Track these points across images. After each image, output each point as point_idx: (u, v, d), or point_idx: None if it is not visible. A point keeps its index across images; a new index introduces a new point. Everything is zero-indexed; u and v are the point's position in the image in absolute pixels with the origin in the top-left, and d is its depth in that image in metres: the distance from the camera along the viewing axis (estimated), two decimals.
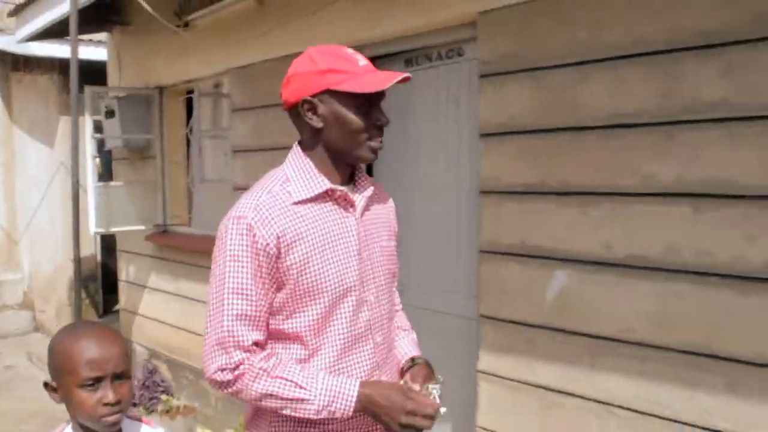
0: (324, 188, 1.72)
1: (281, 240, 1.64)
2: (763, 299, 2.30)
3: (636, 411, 2.63)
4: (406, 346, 1.99)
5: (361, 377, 1.75)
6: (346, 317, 1.74)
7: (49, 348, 1.58)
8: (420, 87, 3.60)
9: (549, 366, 2.88)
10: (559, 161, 2.79)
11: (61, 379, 1.53)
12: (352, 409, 1.64)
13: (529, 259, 2.92)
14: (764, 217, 2.28)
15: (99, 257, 7.81)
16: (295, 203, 1.69)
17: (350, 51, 1.71)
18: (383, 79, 1.66)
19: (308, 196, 1.70)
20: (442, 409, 1.65)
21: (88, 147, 5.08)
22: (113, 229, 5.33)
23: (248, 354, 1.64)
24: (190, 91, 5.36)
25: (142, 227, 5.41)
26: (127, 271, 6.10)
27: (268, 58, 4.21)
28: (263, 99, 4.29)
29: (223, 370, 1.64)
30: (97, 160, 5.65)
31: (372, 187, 1.84)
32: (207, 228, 5.05)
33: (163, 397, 5.08)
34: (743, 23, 2.30)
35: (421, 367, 1.88)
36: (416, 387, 1.71)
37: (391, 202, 2.02)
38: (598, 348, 2.71)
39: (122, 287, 6.22)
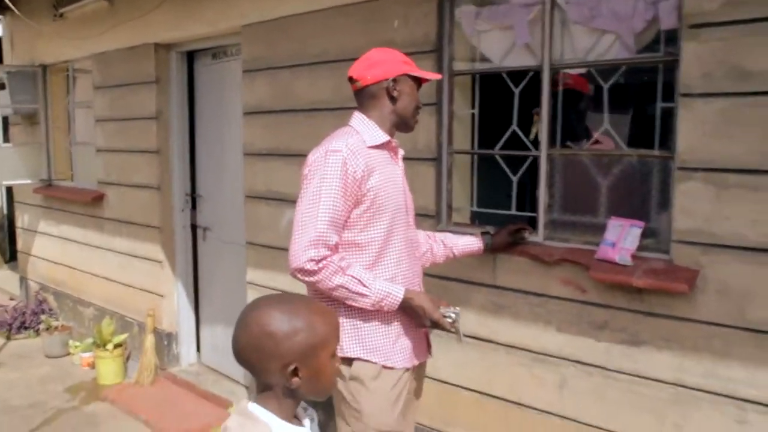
0: (386, 139, 2.34)
1: (365, 169, 2.20)
2: None
3: None
4: (457, 237, 2.82)
5: (409, 279, 2.37)
6: (400, 234, 2.34)
7: (276, 331, 1.38)
8: (224, 74, 4.81)
9: (284, 276, 4.14)
10: (285, 133, 4.04)
11: (311, 357, 1.40)
12: (396, 307, 2.24)
13: (272, 201, 4.17)
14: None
15: (5, 210, 8.88)
16: (369, 147, 2.28)
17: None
18: (435, 73, 2.63)
19: (376, 143, 2.31)
20: (459, 335, 2.30)
21: None
22: (4, 182, 6.44)
23: (331, 252, 2.16)
24: None
25: (29, 181, 6.52)
26: (22, 219, 7.21)
27: (118, 48, 5.35)
28: (116, 80, 5.45)
29: (311, 260, 2.13)
30: None
31: (402, 149, 2.50)
32: (84, 182, 6.18)
33: (44, 317, 6.24)
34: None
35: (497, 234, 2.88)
36: (443, 308, 2.29)
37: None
38: None
39: (19, 233, 7.33)
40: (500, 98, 3.20)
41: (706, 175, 2.53)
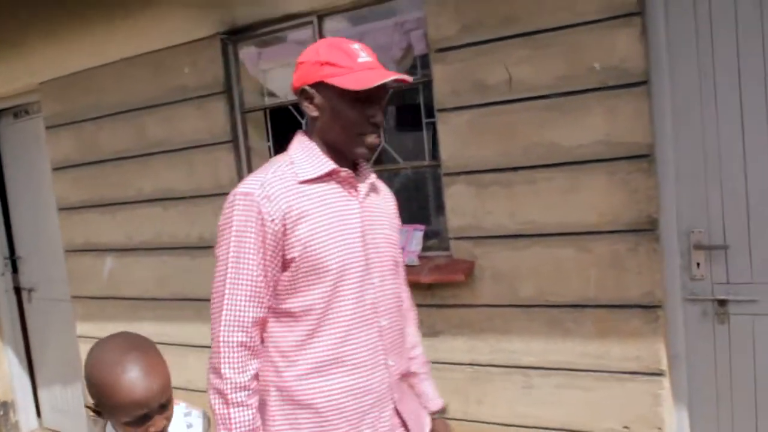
0: (329, 168, 1.71)
1: (287, 216, 1.64)
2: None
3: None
4: (428, 389, 2.10)
5: (365, 359, 1.73)
6: (351, 297, 1.70)
7: (91, 375, 1.50)
8: (28, 132, 4.77)
9: (113, 325, 4.17)
10: (95, 184, 4.10)
11: (106, 411, 1.53)
12: None
13: (91, 252, 4.20)
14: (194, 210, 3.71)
15: None
16: (302, 182, 1.69)
17: (356, 46, 1.69)
18: (372, 78, 1.63)
19: (314, 176, 1.70)
20: None
21: None
22: None
23: (249, 339, 1.64)
24: None
25: None
26: None
27: None
28: None
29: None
30: None
31: (374, 175, 1.86)
32: None
33: None
34: (152, 97, 3.71)
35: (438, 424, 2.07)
36: None
37: (391, 196, 1.98)
38: (140, 305, 4.02)
39: None
40: (291, 129, 3.44)
41: (466, 177, 2.90)
